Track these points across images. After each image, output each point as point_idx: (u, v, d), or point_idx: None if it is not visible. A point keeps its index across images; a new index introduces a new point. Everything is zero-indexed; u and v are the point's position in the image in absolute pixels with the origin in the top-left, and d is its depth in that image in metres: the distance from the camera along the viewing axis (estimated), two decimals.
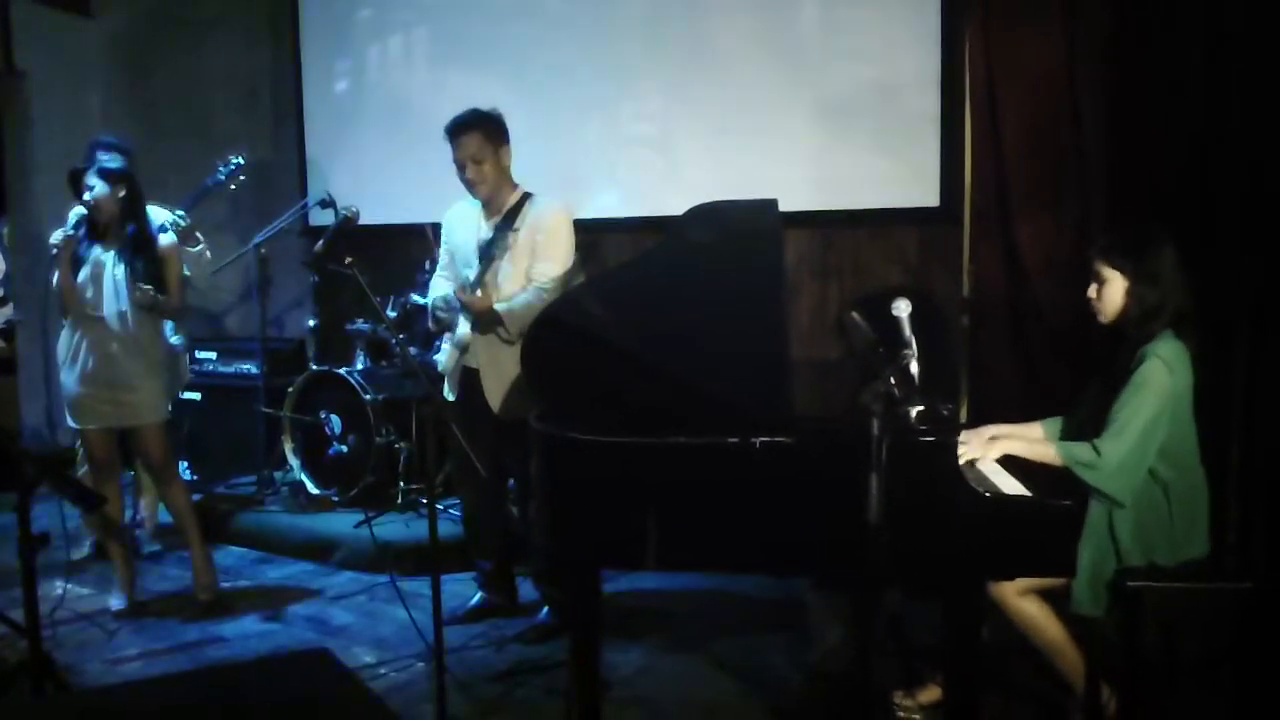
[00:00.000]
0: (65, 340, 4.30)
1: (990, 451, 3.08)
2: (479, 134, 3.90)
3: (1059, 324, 4.39)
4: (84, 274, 4.21)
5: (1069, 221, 4.44)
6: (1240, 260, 3.77)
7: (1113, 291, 3.05)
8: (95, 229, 4.22)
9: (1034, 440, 3.18)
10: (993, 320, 4.74)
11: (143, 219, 4.32)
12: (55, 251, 4.20)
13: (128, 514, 5.30)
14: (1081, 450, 2.93)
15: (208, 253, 4.76)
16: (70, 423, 4.38)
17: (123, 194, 4.22)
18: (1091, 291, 3.10)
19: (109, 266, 4.21)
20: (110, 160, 4.36)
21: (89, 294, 4.21)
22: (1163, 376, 2.91)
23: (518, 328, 3.77)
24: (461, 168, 3.93)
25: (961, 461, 2.95)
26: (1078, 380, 3.48)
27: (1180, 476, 2.99)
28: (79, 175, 4.22)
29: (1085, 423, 3.12)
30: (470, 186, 3.96)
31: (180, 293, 4.42)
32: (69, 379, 4.28)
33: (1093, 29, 4.35)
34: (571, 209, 4.01)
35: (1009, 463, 3.08)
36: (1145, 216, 4.01)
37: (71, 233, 4.19)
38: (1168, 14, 4.07)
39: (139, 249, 4.24)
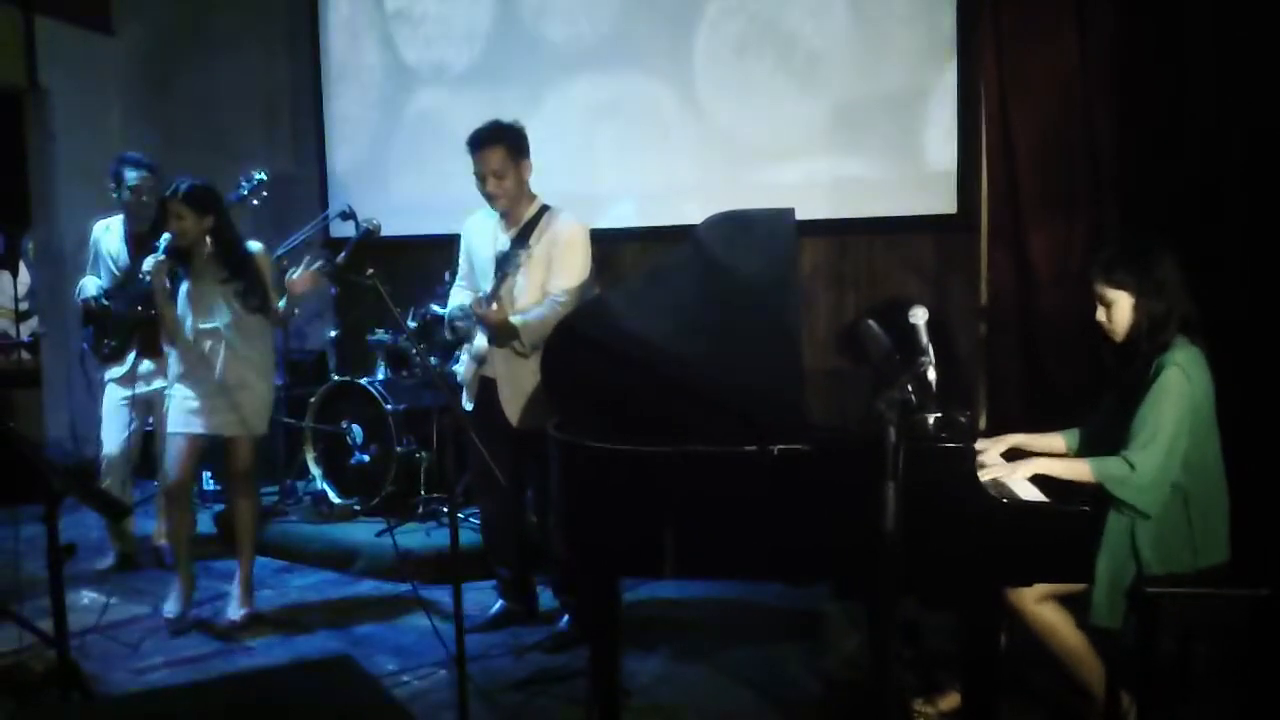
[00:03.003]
0: (178, 357, 4.30)
1: (1018, 472, 3.06)
2: (502, 148, 3.93)
3: (1073, 332, 4.40)
4: (182, 296, 4.23)
5: (1082, 229, 4.45)
6: (1254, 264, 3.77)
7: (1121, 311, 3.04)
8: (180, 250, 4.20)
9: (1063, 457, 3.17)
10: (1009, 328, 4.75)
11: (236, 241, 4.28)
12: (148, 280, 4.21)
13: (151, 526, 5.37)
14: (1116, 466, 2.91)
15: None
16: (175, 427, 4.31)
17: (210, 220, 4.19)
18: (1100, 315, 3.08)
19: (210, 284, 4.22)
20: (186, 183, 4.25)
21: (193, 312, 4.22)
22: (1182, 384, 2.91)
23: (532, 341, 3.80)
24: (482, 180, 3.96)
25: (988, 479, 2.96)
26: (1092, 388, 3.48)
27: (1200, 485, 2.98)
28: (167, 200, 4.19)
29: (1103, 436, 3.12)
30: (490, 199, 3.99)
31: (276, 299, 4.37)
32: (178, 389, 4.28)
33: (1103, 39, 4.36)
34: (587, 225, 4.03)
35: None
36: (1158, 224, 4.02)
37: (163, 259, 4.17)
38: (1176, 23, 4.08)
39: (239, 270, 4.23)
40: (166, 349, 4.43)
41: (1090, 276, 3.11)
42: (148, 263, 4.22)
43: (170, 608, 4.42)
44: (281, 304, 4.34)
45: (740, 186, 5.46)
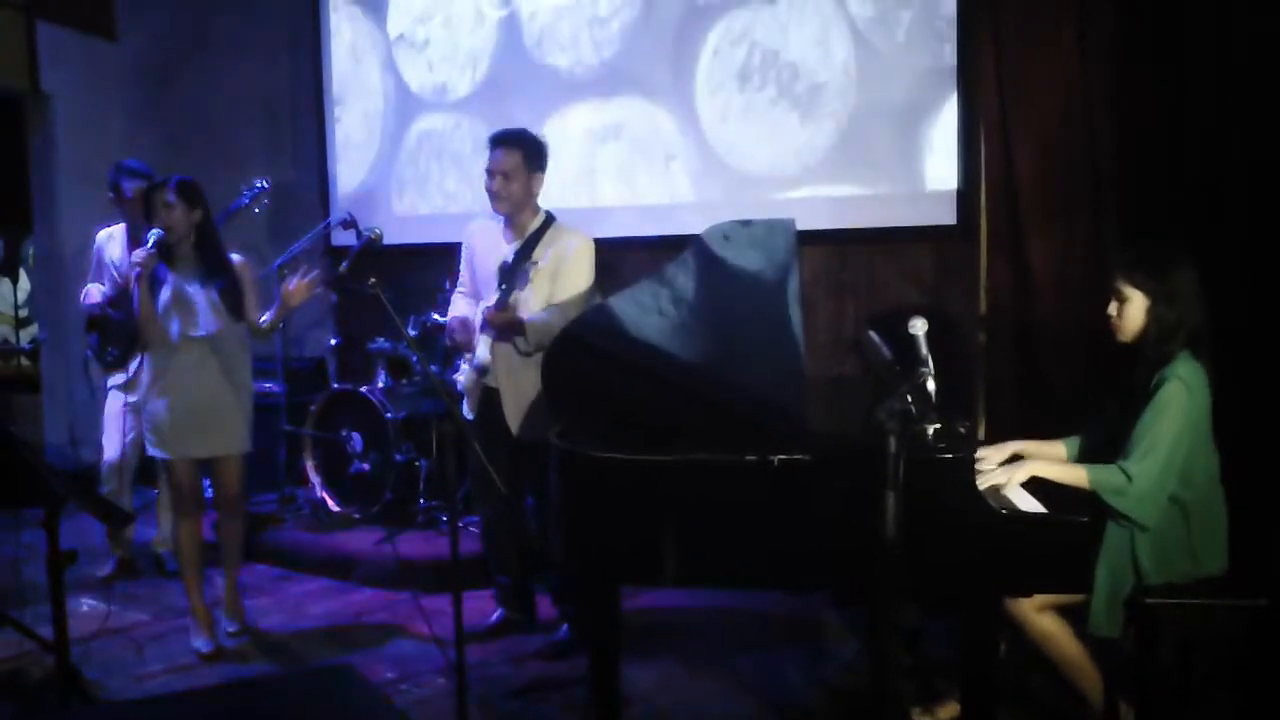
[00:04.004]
0: (154, 366, 4.14)
1: (1016, 476, 3.05)
2: (518, 153, 3.96)
3: (1073, 341, 4.41)
4: (165, 297, 4.08)
5: (1081, 238, 4.46)
6: (1254, 266, 3.77)
7: (1133, 311, 3.04)
8: (166, 248, 4.07)
9: (1062, 463, 3.17)
10: (1008, 336, 4.75)
11: (219, 241, 4.20)
12: (137, 271, 4.02)
13: (151, 532, 5.37)
14: (1112, 475, 2.91)
15: None
16: (157, 452, 4.20)
17: (199, 213, 4.09)
18: (1111, 310, 3.09)
19: (194, 286, 4.10)
20: (176, 176, 4.12)
21: (176, 317, 4.07)
22: (1183, 398, 2.91)
23: (536, 340, 3.81)
24: (490, 176, 3.99)
25: (986, 485, 2.96)
26: (1092, 397, 3.49)
27: (1198, 497, 2.98)
28: (155, 190, 4.09)
29: (1104, 445, 3.12)
30: (492, 198, 4.01)
31: (257, 311, 4.25)
32: (158, 406, 4.11)
33: (1103, 40, 4.37)
34: (591, 241, 4.04)
35: (1027, 481, 3.08)
36: (1158, 231, 4.03)
37: (152, 251, 4.00)
38: (1176, 23, 4.10)
39: (218, 271, 4.13)
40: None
41: (1112, 268, 3.11)
42: (137, 254, 4.03)
43: (201, 644, 4.24)
44: (266, 317, 4.22)
45: (740, 196, 5.47)
